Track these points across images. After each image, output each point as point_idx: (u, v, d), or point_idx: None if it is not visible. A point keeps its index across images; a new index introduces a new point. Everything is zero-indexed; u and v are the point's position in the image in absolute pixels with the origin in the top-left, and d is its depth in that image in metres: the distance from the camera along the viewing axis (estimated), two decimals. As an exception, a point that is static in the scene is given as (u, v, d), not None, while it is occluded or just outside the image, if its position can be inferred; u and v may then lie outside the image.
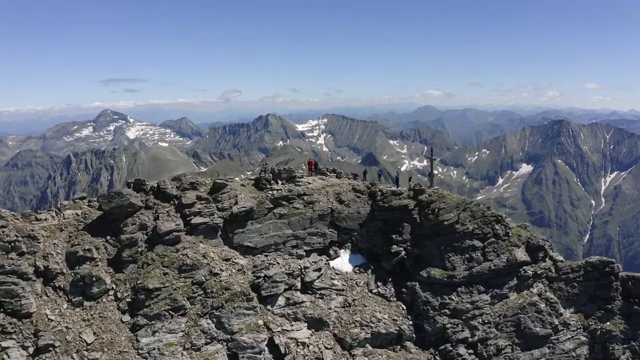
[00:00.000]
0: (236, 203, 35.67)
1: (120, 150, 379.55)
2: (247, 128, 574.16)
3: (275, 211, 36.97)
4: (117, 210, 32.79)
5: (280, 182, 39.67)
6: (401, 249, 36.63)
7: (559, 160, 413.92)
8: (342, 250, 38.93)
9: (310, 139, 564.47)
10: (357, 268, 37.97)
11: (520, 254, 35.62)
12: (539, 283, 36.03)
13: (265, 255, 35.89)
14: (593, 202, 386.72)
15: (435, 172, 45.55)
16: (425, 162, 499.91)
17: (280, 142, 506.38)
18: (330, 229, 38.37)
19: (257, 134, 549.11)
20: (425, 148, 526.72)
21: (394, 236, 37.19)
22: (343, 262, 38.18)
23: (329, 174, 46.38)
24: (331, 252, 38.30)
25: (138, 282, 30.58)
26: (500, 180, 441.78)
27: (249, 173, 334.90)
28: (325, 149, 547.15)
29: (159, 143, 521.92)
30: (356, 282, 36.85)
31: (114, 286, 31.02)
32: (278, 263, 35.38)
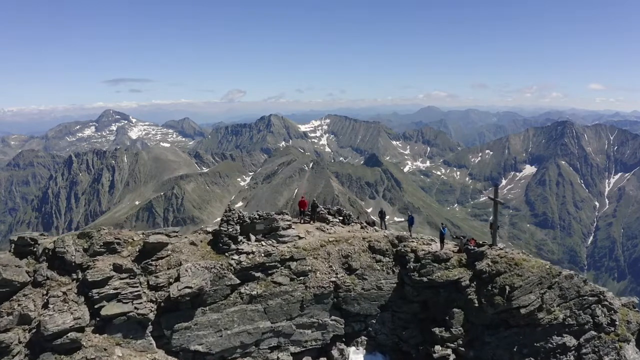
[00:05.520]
0: (178, 278, 22.57)
1: (122, 151, 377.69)
2: (250, 128, 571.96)
3: (243, 290, 23.93)
4: (-17, 291, 20.52)
5: (253, 238, 26.08)
6: (449, 350, 24.33)
7: (563, 162, 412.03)
8: (353, 349, 26.19)
9: (313, 140, 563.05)
10: (378, 379, 25.45)
11: (632, 353, 25.00)
12: (653, 395, 25.57)
13: (226, 368, 23.05)
14: (597, 203, 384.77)
15: (498, 224, 29.71)
16: (428, 163, 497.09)
17: (283, 143, 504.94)
18: (333, 317, 25.62)
19: (260, 135, 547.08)
20: (429, 149, 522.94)
21: (437, 329, 24.67)
22: None
23: (331, 219, 31.65)
24: (335, 353, 25.57)
25: None
26: (504, 182, 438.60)
27: (250, 174, 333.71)
28: (327, 149, 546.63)
29: (161, 143, 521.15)
30: (375, 403, 24.58)
31: (-26, 422, 19.91)
32: (247, 381, 22.35)
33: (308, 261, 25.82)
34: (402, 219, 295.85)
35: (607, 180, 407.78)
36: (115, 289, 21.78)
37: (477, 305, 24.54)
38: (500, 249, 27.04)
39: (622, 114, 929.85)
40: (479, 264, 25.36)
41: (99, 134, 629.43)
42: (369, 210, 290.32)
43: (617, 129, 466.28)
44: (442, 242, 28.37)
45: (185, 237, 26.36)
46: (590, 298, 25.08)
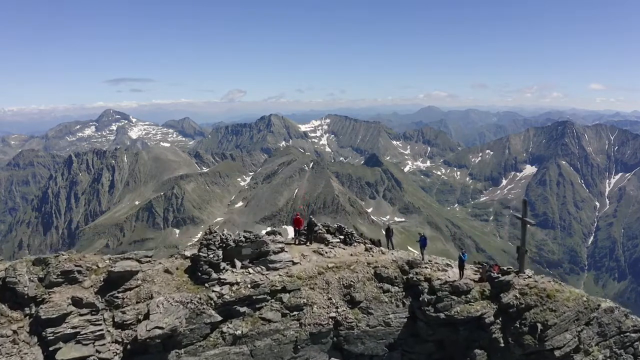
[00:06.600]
0: (147, 316, 19.01)
1: (122, 150, 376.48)
2: (250, 128, 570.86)
3: (225, 329, 20.14)
4: None
5: (239, 264, 22.17)
6: None
7: (563, 162, 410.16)
8: None
9: (313, 140, 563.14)
10: None
11: None
12: None
13: None
14: (597, 203, 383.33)
15: (526, 248, 25.84)
16: (428, 163, 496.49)
17: (283, 143, 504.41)
18: (333, 359, 21.90)
19: (260, 135, 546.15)
20: (429, 149, 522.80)
21: None
22: None
23: (330, 239, 27.59)
24: None
25: None
26: (504, 182, 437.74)
27: (250, 174, 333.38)
28: (327, 149, 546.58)
29: (161, 143, 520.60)
30: None
31: None
32: None
33: (303, 292, 22.00)
34: (403, 219, 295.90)
35: (607, 181, 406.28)
36: (73, 327, 18.27)
37: (502, 345, 21.37)
38: (529, 277, 23.95)
39: (622, 114, 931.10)
40: (505, 297, 22.15)
41: (99, 133, 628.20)
42: (369, 210, 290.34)
43: (618, 129, 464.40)
44: (461, 269, 24.24)
45: (160, 263, 22.75)
46: (633, 335, 22.14)
